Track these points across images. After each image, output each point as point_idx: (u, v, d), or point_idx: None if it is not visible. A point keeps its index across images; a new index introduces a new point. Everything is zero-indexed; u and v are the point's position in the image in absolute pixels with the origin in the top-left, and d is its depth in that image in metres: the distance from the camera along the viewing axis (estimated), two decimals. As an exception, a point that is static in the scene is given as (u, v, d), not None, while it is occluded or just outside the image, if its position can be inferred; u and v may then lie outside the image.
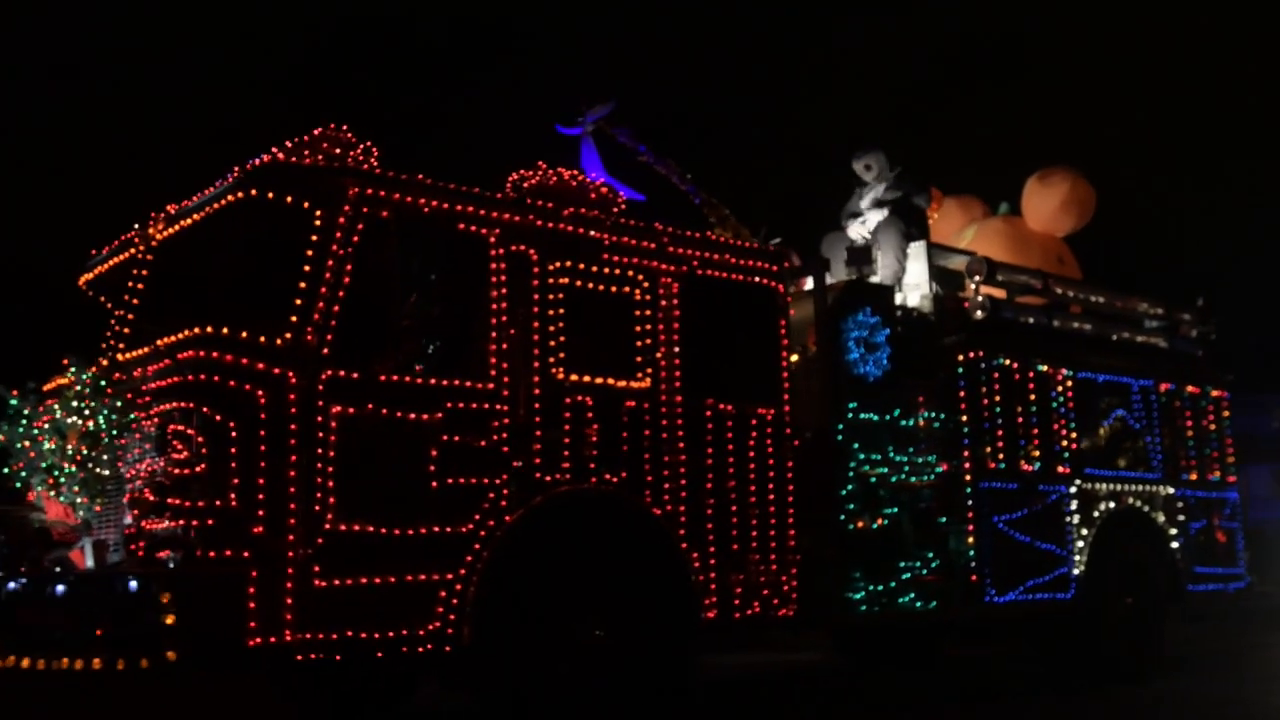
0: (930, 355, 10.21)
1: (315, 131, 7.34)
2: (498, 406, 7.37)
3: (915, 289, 10.69)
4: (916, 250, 10.75)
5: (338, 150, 7.30)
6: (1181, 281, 12.91)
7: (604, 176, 9.69)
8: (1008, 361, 10.46)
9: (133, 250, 7.82)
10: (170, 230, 7.55)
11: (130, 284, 7.73)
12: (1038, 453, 10.54)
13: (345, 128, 7.40)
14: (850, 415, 9.50)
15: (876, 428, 9.70)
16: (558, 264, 7.79)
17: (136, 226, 7.89)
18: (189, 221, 7.39)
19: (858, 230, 11.13)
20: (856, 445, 9.51)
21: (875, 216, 11.04)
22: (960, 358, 10.19)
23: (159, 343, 6.84)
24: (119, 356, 7.35)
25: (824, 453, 9.31)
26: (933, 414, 10.08)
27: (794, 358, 9.46)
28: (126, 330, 7.57)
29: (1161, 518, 11.47)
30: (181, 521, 6.35)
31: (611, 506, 7.81)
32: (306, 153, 7.25)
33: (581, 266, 7.91)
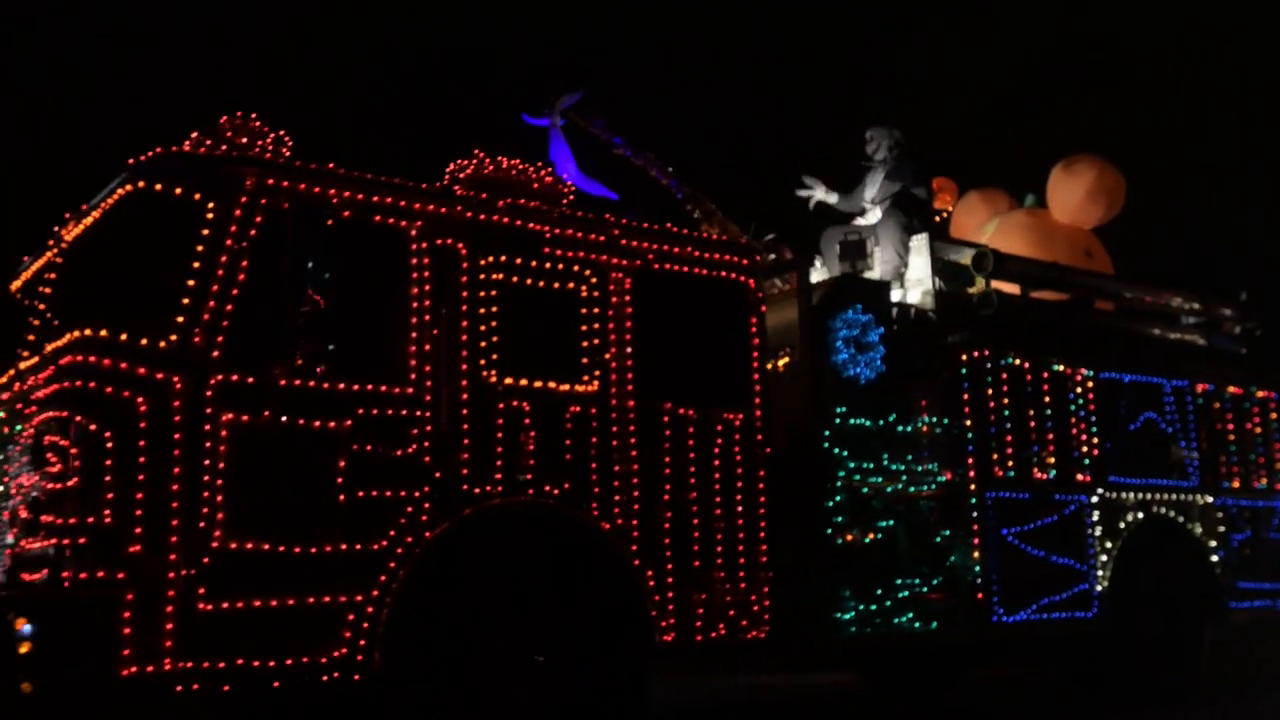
0: (932, 355, 9.46)
1: (221, 120, 6.85)
2: (418, 413, 6.80)
3: (918, 285, 9.96)
4: (919, 244, 10.02)
5: (244, 139, 6.80)
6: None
7: (574, 170, 9.12)
8: (1018, 361, 9.68)
9: (48, 253, 7.39)
10: (78, 229, 7.09)
11: (42, 288, 7.30)
12: (1053, 460, 9.73)
13: (254, 115, 6.90)
14: (838, 421, 8.79)
15: (869, 434, 8.98)
16: (491, 258, 7.21)
17: (56, 228, 7.45)
18: (91, 219, 6.93)
19: (859, 224, 10.43)
20: (845, 453, 8.79)
21: (877, 212, 10.34)
22: (964, 357, 9.43)
23: (47, 348, 6.38)
24: (20, 365, 6.90)
25: (808, 461, 8.62)
26: (934, 419, 9.33)
27: (783, 361, 8.83)
28: (31, 336, 7.14)
29: (1199, 529, 10.58)
30: (53, 540, 5.85)
31: (551, 520, 7.20)
32: (208, 142, 6.76)
33: (519, 261, 7.32)
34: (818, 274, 10.22)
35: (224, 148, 6.73)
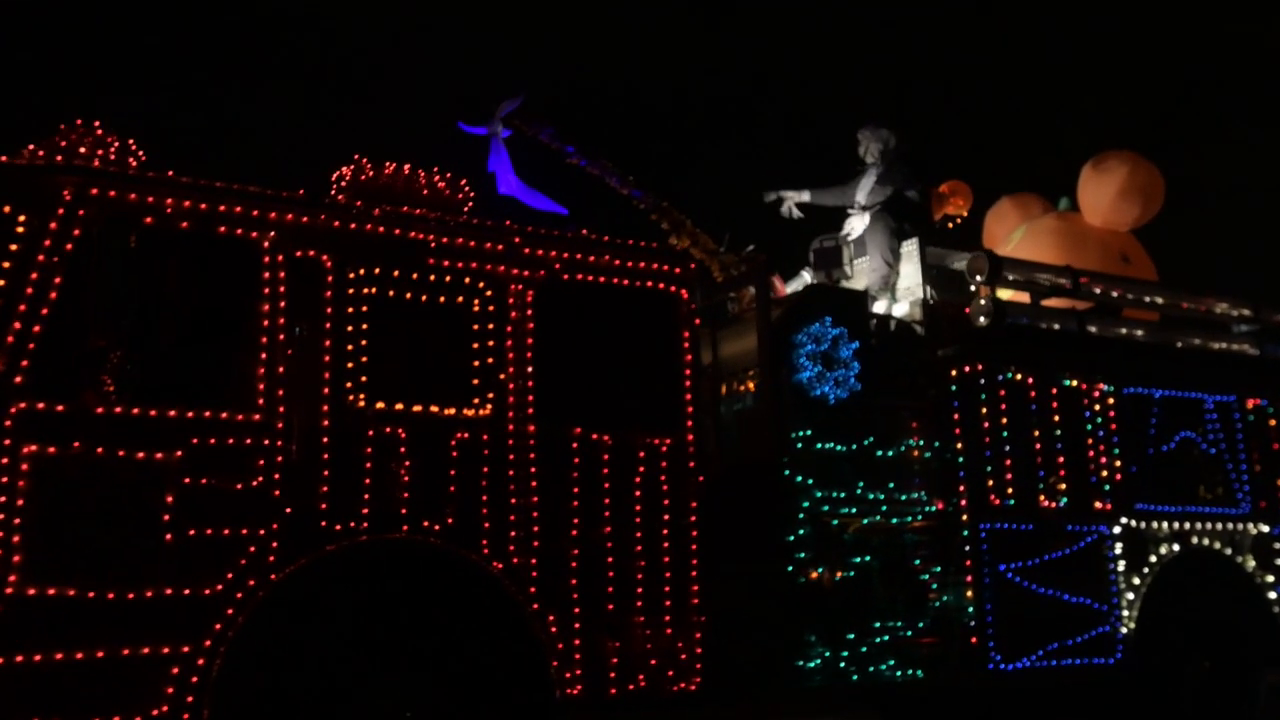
0: (918, 371, 8.50)
1: (60, 127, 6.33)
2: (266, 441, 6.13)
3: (910, 294, 9.01)
4: (909, 250, 9.07)
5: (83, 149, 6.26)
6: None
7: (515, 182, 8.45)
8: (1019, 376, 8.65)
9: None
10: None
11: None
12: (1064, 486, 8.65)
13: (97, 122, 6.36)
14: (801, 445, 7.90)
15: (840, 459, 8.06)
16: (361, 271, 6.53)
17: None
18: None
19: (850, 229, 9.51)
20: (811, 481, 7.89)
21: (866, 218, 9.42)
22: (954, 373, 8.44)
23: None
24: None
25: (763, 490, 7.75)
26: (922, 442, 8.35)
27: (754, 383, 8.03)
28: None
29: (1252, 562, 9.35)
30: None
31: (431, 559, 6.46)
32: (41, 153, 6.24)
33: (396, 273, 6.63)
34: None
35: (59, 157, 6.20)
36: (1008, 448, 8.46)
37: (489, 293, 6.85)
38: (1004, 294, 9.48)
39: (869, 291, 9.01)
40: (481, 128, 8.53)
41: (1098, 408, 8.91)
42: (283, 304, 6.29)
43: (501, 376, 6.77)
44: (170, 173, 6.22)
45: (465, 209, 7.08)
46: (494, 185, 8.44)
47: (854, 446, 8.09)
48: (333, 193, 6.91)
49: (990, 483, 8.36)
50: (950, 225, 10.26)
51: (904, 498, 8.22)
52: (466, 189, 7.16)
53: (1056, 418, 8.71)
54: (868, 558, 8.00)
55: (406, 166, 6.99)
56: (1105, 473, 8.83)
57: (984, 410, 8.45)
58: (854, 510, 8.02)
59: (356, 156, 6.88)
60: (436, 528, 6.45)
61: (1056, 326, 9.00)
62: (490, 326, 6.81)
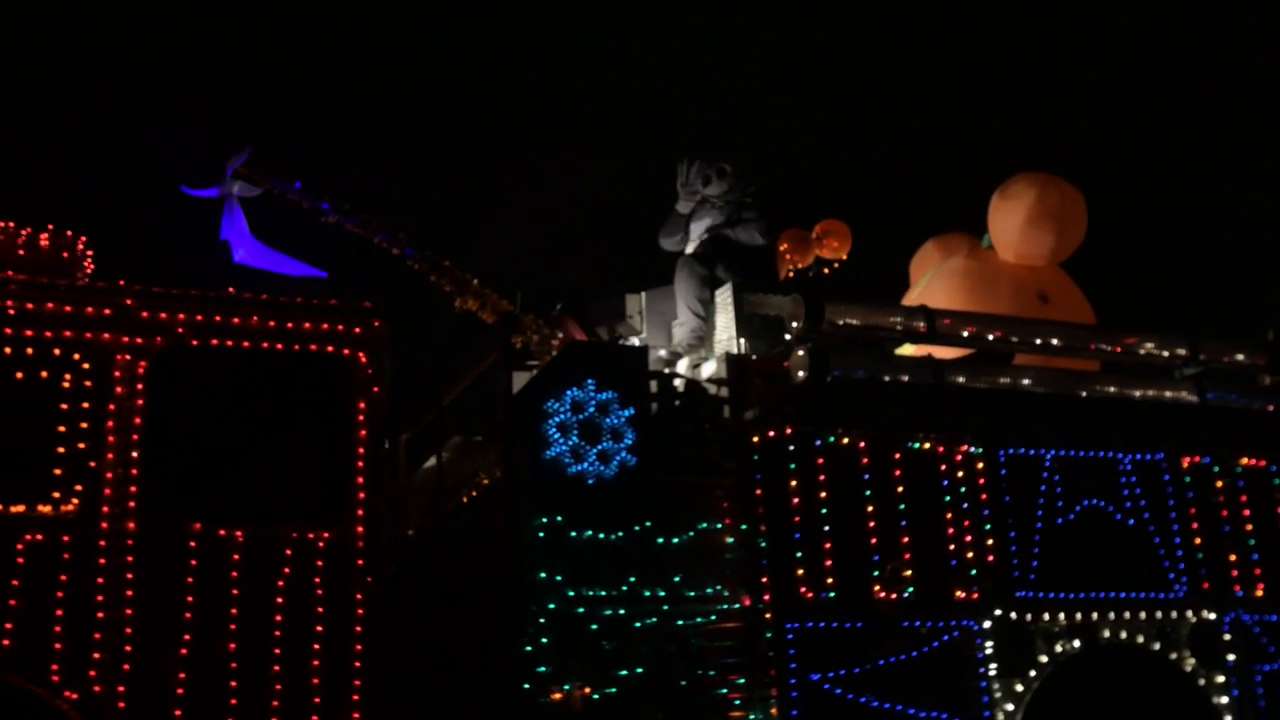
0: (717, 440, 7.06)
1: None
2: None
3: (726, 348, 7.59)
4: (723, 298, 7.67)
5: None
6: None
7: (256, 247, 7.43)
8: (848, 439, 7.11)
9: None
10: None
11: None
12: (909, 572, 7.03)
13: None
14: (544, 534, 6.53)
15: (602, 549, 6.65)
16: None
17: None
18: None
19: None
20: (560, 577, 6.50)
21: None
22: (756, 439, 6.96)
23: None
24: None
25: (489, 591, 6.42)
26: (720, 525, 6.87)
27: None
28: None
29: (1190, 659, 7.50)
30: None
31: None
32: None
33: (-44, 348, 5.60)
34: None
35: None
36: (827, 528, 6.91)
37: (85, 365, 5.76)
38: (907, 349, 8.04)
39: (678, 348, 7.64)
40: (211, 189, 7.53)
41: (960, 474, 7.28)
42: None
43: (93, 465, 5.65)
44: None
45: (80, 270, 6.04)
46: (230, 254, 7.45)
47: (621, 534, 6.68)
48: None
49: (800, 571, 6.82)
50: (826, 270, 8.79)
51: (693, 594, 6.74)
52: (82, 249, 6.12)
53: (900, 489, 7.13)
54: (638, 669, 6.53)
55: (4, 224, 6.00)
56: (970, 554, 7.18)
57: (794, 483, 6.93)
58: (621, 611, 6.59)
59: (-67, 215, 5.93)
60: (-14, 655, 5.33)
61: (905, 378, 7.44)
62: (84, 406, 5.73)
